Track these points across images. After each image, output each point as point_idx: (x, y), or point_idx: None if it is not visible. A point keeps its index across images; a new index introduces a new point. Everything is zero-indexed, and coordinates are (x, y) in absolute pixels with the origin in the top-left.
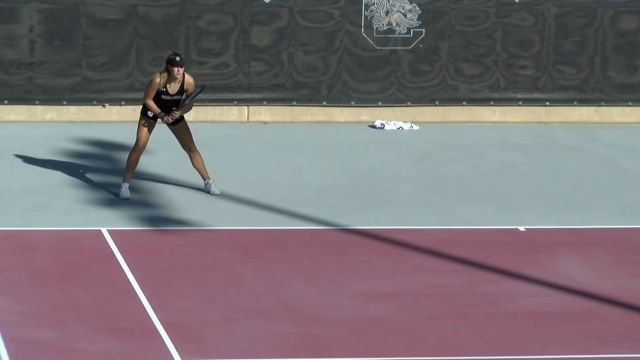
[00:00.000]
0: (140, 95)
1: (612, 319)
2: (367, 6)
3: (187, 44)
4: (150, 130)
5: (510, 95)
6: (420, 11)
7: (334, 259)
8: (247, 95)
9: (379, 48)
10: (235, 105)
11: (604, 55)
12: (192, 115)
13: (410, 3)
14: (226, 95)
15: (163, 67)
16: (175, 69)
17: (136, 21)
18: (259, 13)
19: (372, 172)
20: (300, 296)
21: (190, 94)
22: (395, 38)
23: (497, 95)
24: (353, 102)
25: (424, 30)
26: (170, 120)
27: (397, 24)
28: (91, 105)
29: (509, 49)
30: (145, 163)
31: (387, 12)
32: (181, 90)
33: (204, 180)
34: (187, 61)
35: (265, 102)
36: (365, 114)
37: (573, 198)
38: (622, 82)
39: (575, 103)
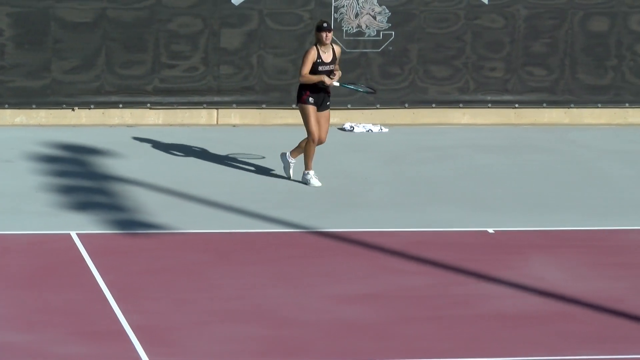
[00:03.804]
0: (110, 98)
1: (584, 320)
2: (336, 9)
3: (156, 47)
4: (317, 118)
5: (479, 97)
6: (389, 13)
7: (306, 261)
8: (216, 98)
9: (349, 50)
10: (204, 108)
11: (574, 57)
12: (161, 118)
13: (380, 5)
14: (195, 99)
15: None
16: (324, 34)
17: (106, 24)
18: (229, 16)
19: (343, 175)
20: (273, 299)
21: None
22: (365, 40)
23: (466, 97)
24: None
25: (393, 32)
26: (333, 81)
27: (366, 26)
28: (60, 108)
29: (479, 51)
30: (116, 167)
31: (356, 15)
32: (334, 59)
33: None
34: (157, 64)
35: (234, 105)
36: (334, 116)
37: (545, 199)
38: (592, 84)
39: (544, 105)
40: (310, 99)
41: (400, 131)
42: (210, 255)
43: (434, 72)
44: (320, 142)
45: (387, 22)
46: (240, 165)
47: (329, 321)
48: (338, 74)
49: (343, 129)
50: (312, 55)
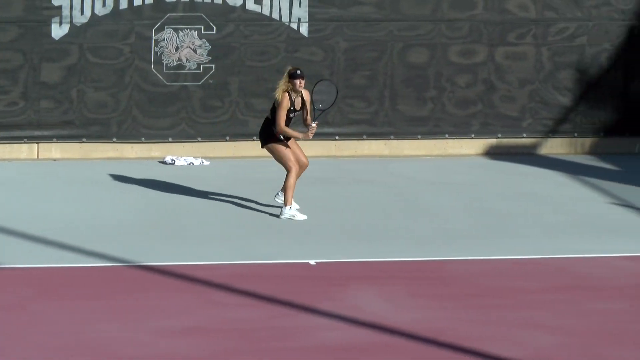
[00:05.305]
0: None
1: (406, 351)
2: (157, 42)
3: None
4: (290, 148)
5: (300, 129)
6: (210, 47)
7: (131, 296)
8: (37, 133)
9: (169, 84)
10: (25, 142)
11: (394, 88)
12: None
13: (200, 39)
14: (16, 133)
15: (280, 89)
16: (298, 81)
17: None
18: (49, 50)
19: (166, 208)
20: (99, 334)
21: (310, 106)
22: (186, 74)
23: None
24: (143, 138)
25: (214, 65)
26: (311, 136)
27: (187, 59)
28: None
29: None
30: None
31: (177, 48)
32: (303, 104)
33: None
34: None
35: (55, 139)
36: (155, 149)
37: (367, 231)
38: (412, 116)
39: (364, 137)
40: (280, 136)
41: (222, 164)
42: (33, 291)
43: (254, 105)
44: (303, 165)
45: (208, 55)
46: (62, 200)
47: (154, 356)
48: (314, 127)
49: (164, 162)
50: (286, 104)
